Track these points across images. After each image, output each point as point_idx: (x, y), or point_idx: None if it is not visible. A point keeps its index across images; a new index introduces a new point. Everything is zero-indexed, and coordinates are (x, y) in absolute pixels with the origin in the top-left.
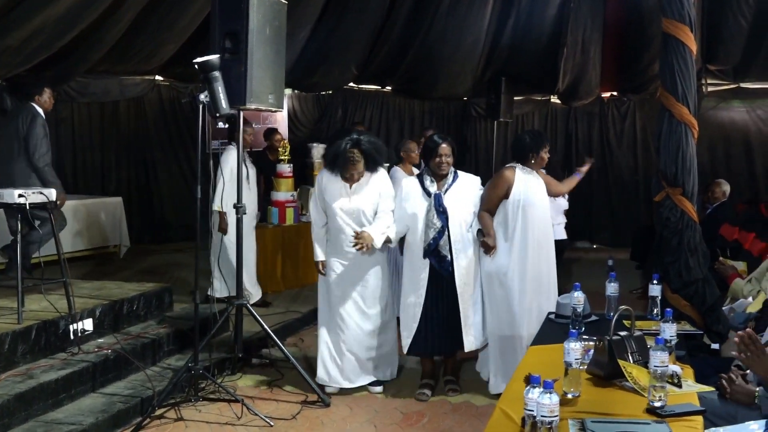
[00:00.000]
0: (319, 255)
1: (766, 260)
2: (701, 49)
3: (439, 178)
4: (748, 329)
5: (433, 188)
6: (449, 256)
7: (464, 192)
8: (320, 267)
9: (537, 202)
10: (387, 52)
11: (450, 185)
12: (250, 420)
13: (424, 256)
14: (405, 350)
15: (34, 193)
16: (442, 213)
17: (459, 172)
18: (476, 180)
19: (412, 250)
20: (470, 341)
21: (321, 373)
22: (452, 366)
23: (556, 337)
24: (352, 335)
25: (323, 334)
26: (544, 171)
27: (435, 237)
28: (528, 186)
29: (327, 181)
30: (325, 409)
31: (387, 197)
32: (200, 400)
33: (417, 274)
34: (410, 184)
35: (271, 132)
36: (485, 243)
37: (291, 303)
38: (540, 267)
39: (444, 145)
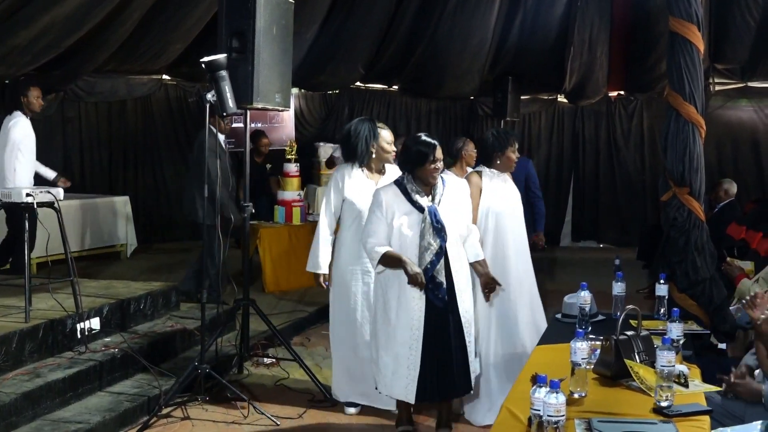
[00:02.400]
0: (324, 266)
1: None
2: (708, 47)
3: (429, 187)
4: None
5: (424, 201)
6: (444, 282)
7: (456, 201)
8: (321, 280)
9: (507, 209)
10: (394, 51)
11: (442, 195)
12: (256, 419)
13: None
14: (394, 396)
15: (41, 192)
16: (440, 231)
17: (444, 176)
18: (464, 184)
19: (403, 279)
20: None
21: (336, 389)
22: (447, 413)
23: (563, 336)
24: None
25: (341, 354)
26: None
27: (433, 260)
28: (495, 191)
29: (352, 180)
30: (331, 408)
31: None
32: (207, 399)
33: (410, 306)
34: (390, 194)
35: (257, 135)
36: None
37: (298, 302)
38: (521, 278)
39: (439, 148)
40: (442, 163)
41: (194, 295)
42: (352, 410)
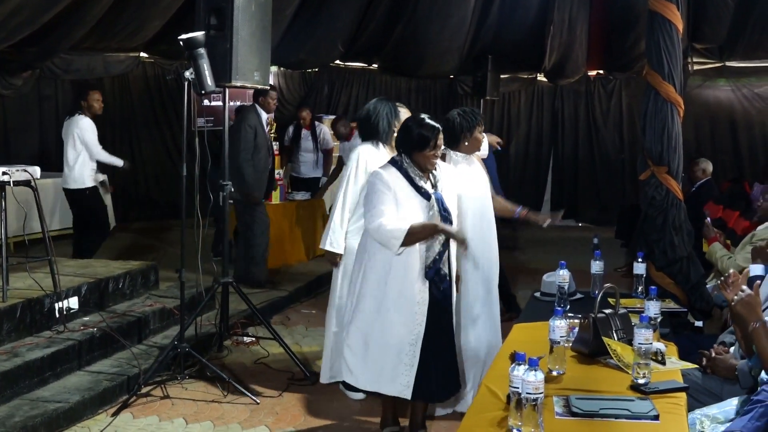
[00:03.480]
0: (342, 246)
1: (747, 236)
2: (687, 27)
3: (426, 173)
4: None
5: (428, 186)
6: (448, 274)
7: (452, 187)
8: (339, 260)
9: (473, 194)
10: (373, 29)
11: (438, 181)
12: (236, 398)
13: (426, 277)
14: (384, 392)
15: (18, 170)
16: (447, 219)
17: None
18: (452, 168)
19: (405, 270)
20: (462, 380)
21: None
22: (423, 414)
23: (542, 314)
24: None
25: (365, 336)
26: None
27: (441, 251)
28: (461, 176)
29: (381, 158)
30: (311, 386)
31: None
32: (186, 378)
33: (414, 298)
34: (392, 175)
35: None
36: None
37: (277, 281)
38: (478, 264)
39: (441, 133)
40: (441, 150)
41: (251, 279)
42: (359, 396)
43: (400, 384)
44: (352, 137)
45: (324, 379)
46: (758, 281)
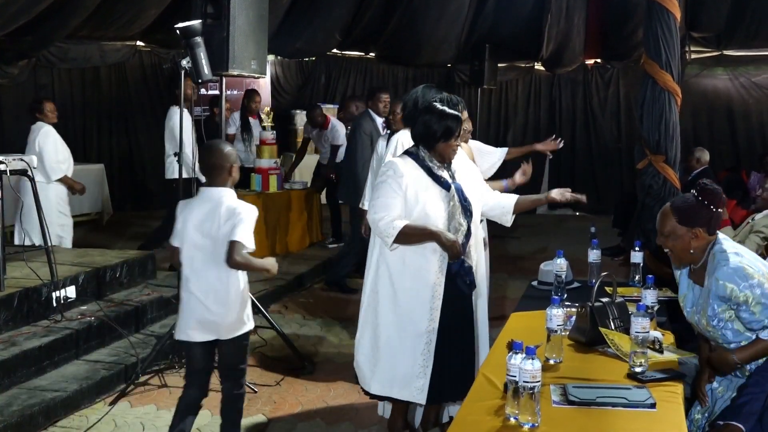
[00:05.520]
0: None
1: (747, 226)
2: (685, 16)
3: (445, 163)
4: None
5: (447, 176)
6: (473, 266)
7: (467, 171)
8: None
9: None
10: (371, 18)
11: (455, 171)
12: None
13: (451, 272)
14: (398, 397)
15: (14, 159)
16: (468, 210)
17: None
18: (465, 157)
19: (423, 263)
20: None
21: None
22: (436, 414)
23: (539, 303)
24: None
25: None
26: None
27: (463, 243)
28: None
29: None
30: (308, 375)
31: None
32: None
33: (428, 294)
34: (409, 166)
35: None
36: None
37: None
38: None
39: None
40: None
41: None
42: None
43: (415, 388)
44: (328, 125)
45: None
46: None
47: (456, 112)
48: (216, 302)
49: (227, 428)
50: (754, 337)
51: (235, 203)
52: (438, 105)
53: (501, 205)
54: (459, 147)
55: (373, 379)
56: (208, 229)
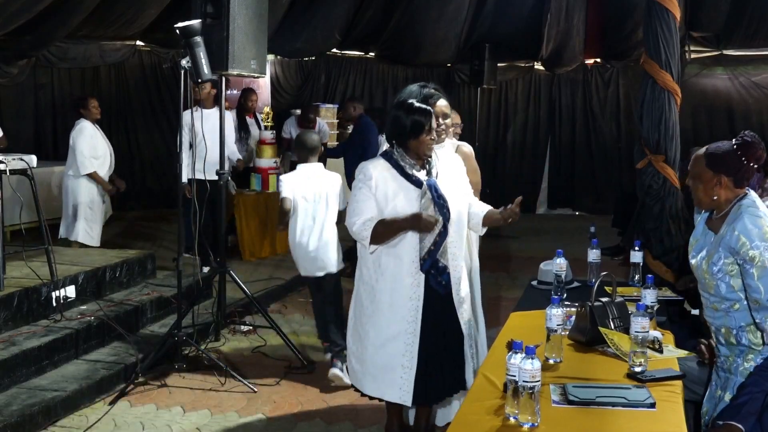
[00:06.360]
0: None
1: None
2: (685, 15)
3: (422, 160)
4: None
5: (421, 174)
6: (448, 266)
7: (452, 172)
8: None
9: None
10: (370, 17)
11: (437, 168)
12: (233, 386)
13: (422, 270)
14: (386, 398)
15: (14, 159)
16: (443, 207)
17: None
18: (456, 157)
19: (395, 265)
20: (470, 378)
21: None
22: (427, 418)
23: (539, 303)
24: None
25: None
26: None
27: (437, 241)
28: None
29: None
30: (308, 375)
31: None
32: (184, 366)
33: (406, 294)
34: (379, 168)
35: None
36: None
37: (275, 270)
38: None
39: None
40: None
41: None
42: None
43: (400, 389)
44: (316, 126)
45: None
46: None
47: (425, 106)
48: None
49: None
50: (746, 303)
51: None
52: (408, 100)
53: (476, 213)
54: (455, 149)
55: (364, 380)
56: None
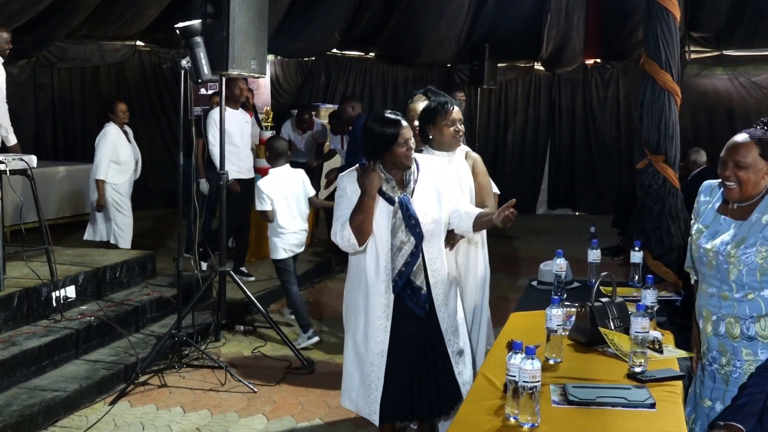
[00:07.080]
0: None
1: None
2: (685, 15)
3: (402, 171)
4: None
5: (394, 191)
6: (425, 287)
7: (434, 187)
8: None
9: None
10: (370, 17)
11: (416, 180)
12: (233, 386)
13: (394, 292)
14: (361, 414)
15: (14, 159)
16: (415, 226)
17: (416, 155)
18: (440, 162)
19: (367, 281)
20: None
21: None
22: (430, 427)
23: (539, 303)
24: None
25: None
26: None
27: (408, 262)
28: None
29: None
30: (308, 375)
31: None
32: (184, 366)
33: (375, 314)
34: (353, 182)
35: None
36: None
37: (275, 270)
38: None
39: (406, 123)
40: (413, 140)
41: None
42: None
43: (368, 408)
44: (313, 126)
45: None
46: None
47: (394, 117)
48: None
49: None
50: (763, 293)
51: None
52: (380, 112)
53: (467, 214)
54: (464, 155)
55: (343, 394)
56: None
